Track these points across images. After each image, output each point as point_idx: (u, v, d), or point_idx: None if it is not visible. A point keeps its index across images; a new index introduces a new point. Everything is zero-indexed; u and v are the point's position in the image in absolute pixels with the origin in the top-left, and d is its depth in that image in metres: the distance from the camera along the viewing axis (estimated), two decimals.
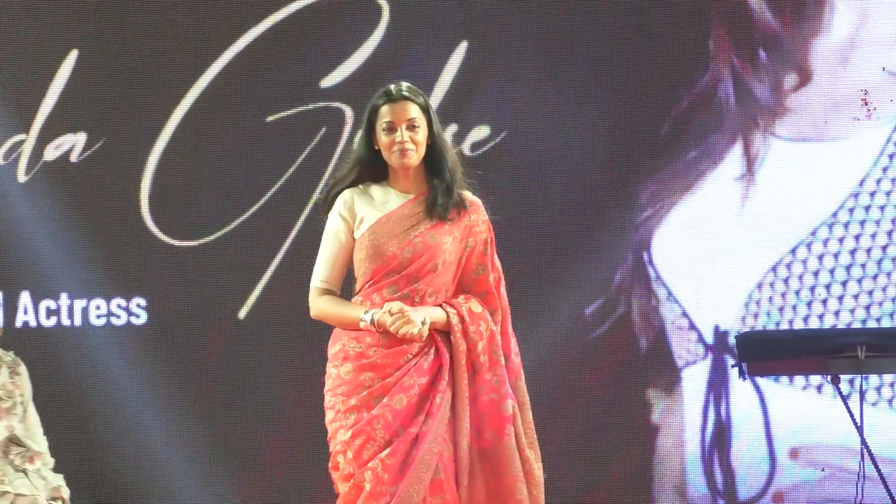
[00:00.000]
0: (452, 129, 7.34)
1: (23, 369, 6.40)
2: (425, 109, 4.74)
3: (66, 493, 6.49)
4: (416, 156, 4.68)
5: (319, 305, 4.76)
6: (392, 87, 4.74)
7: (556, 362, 7.19)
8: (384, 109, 4.62)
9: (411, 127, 4.65)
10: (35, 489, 6.35)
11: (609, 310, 7.45)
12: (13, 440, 6.32)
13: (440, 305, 4.75)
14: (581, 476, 7.31)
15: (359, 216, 4.73)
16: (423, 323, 4.65)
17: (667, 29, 7.41)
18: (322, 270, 4.72)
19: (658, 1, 7.44)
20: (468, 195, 4.83)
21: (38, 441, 6.43)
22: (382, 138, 4.64)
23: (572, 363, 7.40)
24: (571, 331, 7.43)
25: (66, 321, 7.34)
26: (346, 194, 4.72)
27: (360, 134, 4.78)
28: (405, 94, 4.71)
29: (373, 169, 4.74)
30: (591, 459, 7.47)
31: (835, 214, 7.30)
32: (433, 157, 4.74)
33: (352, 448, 4.55)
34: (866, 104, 7.27)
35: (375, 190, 4.76)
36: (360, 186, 4.74)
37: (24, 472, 6.40)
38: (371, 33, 7.41)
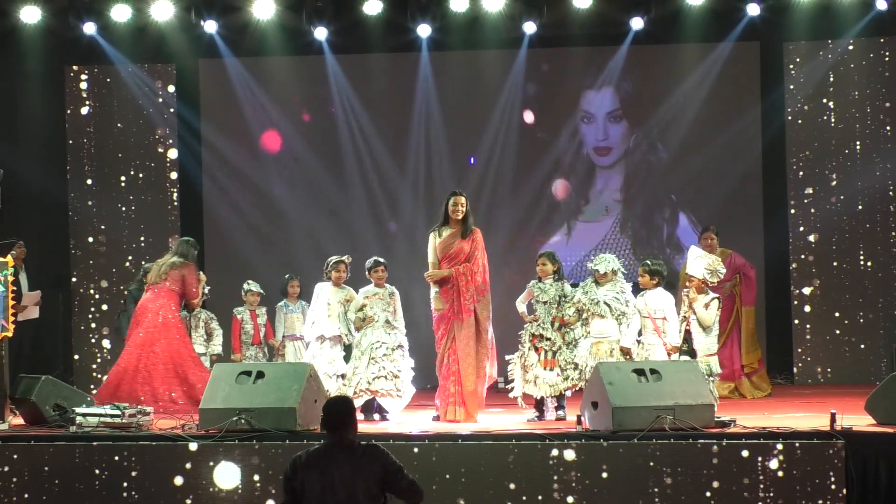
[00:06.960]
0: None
1: (396, 296, 9.44)
2: (465, 197, 9.30)
3: (405, 342, 9.54)
4: (460, 215, 9.19)
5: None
6: (455, 190, 9.47)
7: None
8: (451, 200, 9.40)
9: (457, 203, 9.23)
10: (391, 340, 9.44)
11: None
12: (388, 322, 9.40)
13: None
14: None
15: (441, 238, 9.30)
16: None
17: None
18: (430, 255, 9.30)
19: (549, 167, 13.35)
20: (476, 230, 9.28)
21: (400, 325, 9.49)
22: (449, 207, 9.21)
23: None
24: (518, 269, 12.85)
25: None
26: (436, 230, 9.31)
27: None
28: (457, 192, 9.37)
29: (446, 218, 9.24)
30: None
31: (602, 241, 13.51)
32: (464, 217, 9.21)
33: None
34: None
35: (446, 227, 9.37)
36: (441, 225, 9.36)
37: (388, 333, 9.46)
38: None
